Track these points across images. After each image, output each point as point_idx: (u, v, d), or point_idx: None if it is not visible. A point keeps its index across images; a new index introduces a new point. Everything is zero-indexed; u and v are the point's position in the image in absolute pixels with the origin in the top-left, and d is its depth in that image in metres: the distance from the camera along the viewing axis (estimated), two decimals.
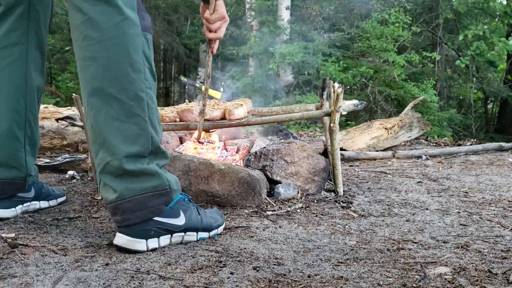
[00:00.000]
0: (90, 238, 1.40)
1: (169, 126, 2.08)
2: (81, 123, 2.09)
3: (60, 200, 1.81)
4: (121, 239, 1.27)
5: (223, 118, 2.06)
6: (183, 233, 1.35)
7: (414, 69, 9.14)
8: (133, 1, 1.26)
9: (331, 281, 1.11)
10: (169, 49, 11.93)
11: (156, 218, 1.28)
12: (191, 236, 1.37)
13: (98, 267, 1.16)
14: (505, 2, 8.62)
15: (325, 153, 2.19)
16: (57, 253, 1.25)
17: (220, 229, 1.47)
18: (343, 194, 2.10)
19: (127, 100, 1.22)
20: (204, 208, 1.77)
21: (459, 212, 1.85)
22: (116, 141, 1.23)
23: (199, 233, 1.38)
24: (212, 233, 1.42)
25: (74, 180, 2.34)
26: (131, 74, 1.22)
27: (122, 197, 1.25)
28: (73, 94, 1.97)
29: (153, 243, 1.28)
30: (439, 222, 1.70)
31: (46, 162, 2.63)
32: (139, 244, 1.26)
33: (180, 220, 1.33)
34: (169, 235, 1.32)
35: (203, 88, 1.93)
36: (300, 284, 1.08)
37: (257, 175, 1.90)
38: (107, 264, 1.18)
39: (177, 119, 2.09)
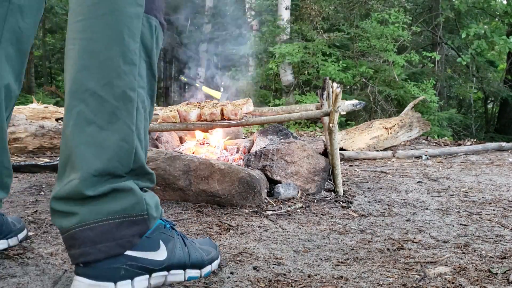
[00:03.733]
0: None
1: (168, 126, 2.08)
2: None
3: (21, 236, 1.33)
4: (78, 282, 0.92)
5: (223, 118, 2.06)
6: (165, 272, 1.02)
7: (414, 69, 9.15)
8: None
9: (331, 281, 1.11)
10: (169, 49, 11.93)
11: (127, 252, 0.94)
12: (177, 275, 1.05)
13: None
14: (505, 2, 8.62)
15: (325, 153, 2.19)
16: (57, 253, 1.25)
17: (215, 265, 1.14)
18: (343, 194, 2.10)
19: (110, 98, 0.92)
20: (204, 208, 1.77)
21: (459, 212, 1.85)
22: (86, 152, 0.91)
23: (187, 270, 1.07)
24: (205, 270, 1.10)
25: None
26: (121, 65, 0.92)
27: (82, 222, 0.91)
28: None
29: (124, 287, 0.94)
30: (439, 222, 1.70)
31: (46, 162, 2.63)
32: None
33: (160, 254, 1.00)
34: (147, 275, 0.98)
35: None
36: (300, 284, 1.08)
37: (257, 175, 1.90)
38: None
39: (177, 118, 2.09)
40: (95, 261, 0.92)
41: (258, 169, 2.01)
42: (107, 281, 0.92)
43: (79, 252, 0.91)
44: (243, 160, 2.13)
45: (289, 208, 1.81)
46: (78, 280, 0.93)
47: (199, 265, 1.09)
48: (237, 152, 2.41)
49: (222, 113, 2.05)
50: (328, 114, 2.05)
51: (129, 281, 0.95)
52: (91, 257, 0.91)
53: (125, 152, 0.94)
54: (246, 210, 1.77)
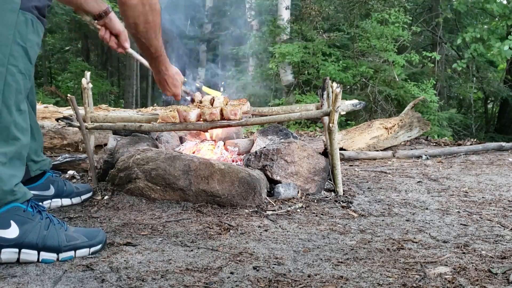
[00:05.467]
0: None
1: (168, 126, 2.08)
2: (77, 123, 2.11)
3: (84, 197, 1.86)
4: None
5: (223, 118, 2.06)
6: (16, 249, 1.15)
7: (414, 69, 9.15)
8: None
9: (331, 280, 1.11)
10: (169, 49, 11.95)
11: None
12: (30, 255, 1.17)
13: (99, 267, 1.16)
14: (505, 2, 8.62)
15: (325, 153, 2.19)
16: None
17: (82, 253, 1.24)
18: (343, 194, 2.10)
19: None
20: (204, 208, 1.77)
21: (459, 212, 1.85)
22: None
23: (42, 253, 1.18)
24: (63, 255, 1.20)
25: (74, 180, 2.34)
26: None
27: None
28: (68, 95, 1.99)
29: None
30: (439, 222, 1.70)
31: None
32: None
33: (11, 233, 1.14)
34: None
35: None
36: (300, 284, 1.08)
37: (257, 174, 1.90)
38: (108, 264, 1.18)
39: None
40: None
41: (258, 169, 2.01)
42: None
43: None
44: (243, 160, 2.13)
45: (289, 208, 1.81)
46: None
47: (55, 249, 1.19)
48: (238, 154, 2.40)
49: (222, 113, 2.05)
50: (328, 114, 2.05)
51: None
52: None
53: None
54: (246, 210, 1.77)
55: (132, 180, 1.86)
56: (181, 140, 2.55)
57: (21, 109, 1.22)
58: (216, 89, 2.74)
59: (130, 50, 1.79)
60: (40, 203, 1.31)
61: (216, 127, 2.18)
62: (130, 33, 1.59)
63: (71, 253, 1.22)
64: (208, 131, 2.45)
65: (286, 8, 8.71)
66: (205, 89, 2.54)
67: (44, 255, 1.18)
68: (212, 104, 2.20)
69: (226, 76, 8.12)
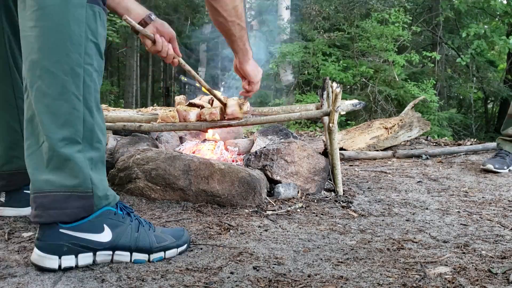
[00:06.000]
0: None
1: (168, 126, 2.08)
2: None
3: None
4: (33, 255, 1.14)
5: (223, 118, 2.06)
6: (110, 252, 1.19)
7: (414, 69, 9.15)
8: None
9: (331, 280, 1.11)
10: None
11: (69, 232, 1.13)
12: (123, 256, 1.20)
13: (99, 267, 1.16)
14: (505, 2, 8.62)
15: (325, 153, 2.19)
16: None
17: (171, 253, 1.26)
18: (343, 194, 2.10)
19: (61, 74, 1.10)
20: (204, 208, 1.77)
21: (459, 211, 1.85)
22: (46, 120, 1.11)
23: (134, 254, 1.21)
24: (154, 256, 1.23)
25: None
26: (68, 46, 1.10)
27: (40, 190, 1.12)
28: None
29: (68, 261, 1.13)
30: (439, 221, 1.70)
31: None
32: (50, 261, 1.11)
33: (105, 237, 1.17)
34: (91, 253, 1.16)
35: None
36: (300, 284, 1.08)
37: (257, 174, 1.90)
38: (108, 264, 1.18)
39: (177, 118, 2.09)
40: (44, 224, 1.12)
41: (258, 169, 2.01)
42: (52, 254, 1.12)
43: (34, 213, 1.13)
44: (243, 160, 2.13)
45: (289, 208, 1.81)
46: (34, 252, 1.14)
47: (147, 251, 1.22)
48: (238, 154, 2.41)
49: (222, 113, 2.05)
50: (328, 114, 2.05)
51: (73, 256, 1.13)
52: (42, 220, 1.12)
53: (75, 118, 1.12)
54: (246, 210, 1.77)
55: (132, 180, 1.86)
56: (181, 140, 2.55)
57: (100, 108, 1.20)
58: (216, 89, 2.74)
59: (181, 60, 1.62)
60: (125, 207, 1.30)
61: (216, 127, 2.18)
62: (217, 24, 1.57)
63: (161, 254, 1.24)
64: (208, 131, 2.45)
65: (286, 8, 8.71)
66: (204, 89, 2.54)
67: (136, 255, 1.21)
68: (211, 104, 2.20)
69: (226, 76, 8.12)
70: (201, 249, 1.32)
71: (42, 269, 1.12)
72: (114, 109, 3.32)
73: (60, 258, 1.12)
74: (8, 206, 1.56)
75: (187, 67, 1.68)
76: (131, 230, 1.22)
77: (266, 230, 1.53)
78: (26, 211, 1.54)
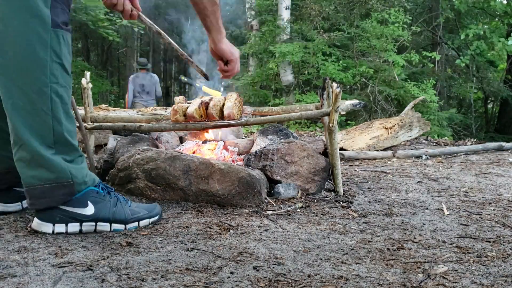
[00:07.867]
0: (89, 237, 1.40)
1: (168, 126, 2.08)
2: (77, 123, 2.10)
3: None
4: (33, 223, 1.42)
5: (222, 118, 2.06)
6: (93, 223, 1.43)
7: (414, 69, 9.15)
8: None
9: (331, 280, 1.11)
10: (169, 49, 11.92)
11: (61, 206, 1.39)
12: (104, 226, 1.45)
13: (99, 267, 1.16)
14: (505, 2, 8.62)
15: (325, 153, 2.19)
16: (57, 253, 1.25)
17: (144, 223, 1.51)
18: (343, 194, 2.10)
19: (31, 93, 1.32)
20: (204, 208, 1.77)
21: (459, 212, 1.85)
22: (23, 132, 1.33)
23: (113, 224, 1.45)
24: (130, 226, 1.48)
25: None
26: (35, 69, 1.31)
27: (30, 184, 1.37)
28: None
29: (59, 227, 1.40)
30: (439, 222, 1.70)
31: None
32: (45, 227, 1.39)
33: (88, 210, 1.42)
34: (78, 223, 1.42)
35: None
36: (300, 284, 1.08)
37: (257, 174, 1.90)
38: (108, 264, 1.18)
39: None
40: (39, 210, 1.40)
41: (258, 169, 2.01)
42: (48, 222, 1.40)
43: (30, 202, 1.40)
44: (243, 160, 2.13)
45: (289, 208, 1.81)
46: (34, 220, 1.42)
47: (123, 221, 1.47)
48: (238, 154, 2.41)
49: (222, 113, 2.05)
50: (328, 114, 2.05)
51: (64, 224, 1.40)
52: (37, 207, 1.39)
53: (46, 129, 1.35)
54: (246, 210, 1.77)
55: (132, 180, 1.86)
56: (181, 140, 2.55)
57: (70, 115, 1.40)
58: (216, 89, 2.74)
59: (142, 16, 1.66)
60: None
61: (216, 127, 2.18)
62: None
63: (135, 223, 1.50)
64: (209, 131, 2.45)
65: (286, 8, 8.70)
66: (205, 89, 2.54)
67: (115, 225, 1.46)
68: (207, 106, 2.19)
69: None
70: (201, 249, 1.32)
71: (39, 233, 1.39)
72: (114, 109, 3.33)
73: (53, 225, 1.39)
74: None
75: (155, 27, 1.71)
76: (110, 205, 1.46)
77: (266, 230, 1.53)
78: (13, 207, 1.63)
